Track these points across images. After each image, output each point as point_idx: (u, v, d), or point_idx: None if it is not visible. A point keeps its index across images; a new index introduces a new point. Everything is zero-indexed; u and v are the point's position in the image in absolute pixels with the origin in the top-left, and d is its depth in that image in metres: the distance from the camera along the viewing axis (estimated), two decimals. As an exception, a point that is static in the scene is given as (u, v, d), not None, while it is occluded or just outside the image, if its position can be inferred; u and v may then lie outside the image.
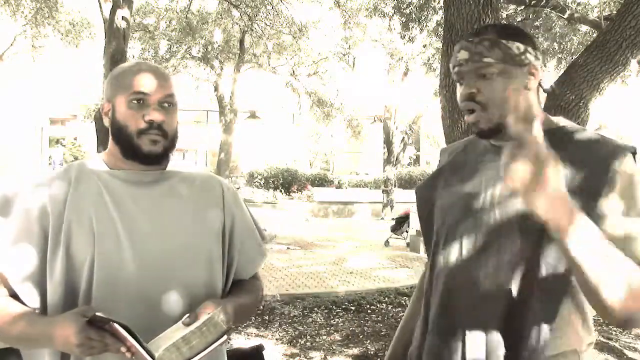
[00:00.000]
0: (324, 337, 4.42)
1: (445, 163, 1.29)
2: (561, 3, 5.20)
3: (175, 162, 1.25)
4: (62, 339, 0.96)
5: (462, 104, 1.11)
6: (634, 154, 0.99)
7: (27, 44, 14.41)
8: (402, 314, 5.15)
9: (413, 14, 7.94)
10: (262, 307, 5.18)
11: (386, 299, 5.71)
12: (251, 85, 19.86)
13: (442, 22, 6.74)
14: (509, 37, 1.07)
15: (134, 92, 1.12)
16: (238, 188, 17.42)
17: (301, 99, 16.97)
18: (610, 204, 0.94)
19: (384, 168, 17.12)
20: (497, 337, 1.02)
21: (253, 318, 4.74)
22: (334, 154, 27.34)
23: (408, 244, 9.42)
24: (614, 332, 4.55)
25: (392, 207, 15.61)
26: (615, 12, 4.31)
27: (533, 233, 0.99)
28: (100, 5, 8.67)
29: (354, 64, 16.14)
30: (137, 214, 1.13)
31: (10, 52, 16.96)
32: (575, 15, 5.30)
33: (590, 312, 1.04)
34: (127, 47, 8.15)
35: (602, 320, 4.83)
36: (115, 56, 7.48)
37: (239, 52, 16.26)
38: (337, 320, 4.92)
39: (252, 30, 13.27)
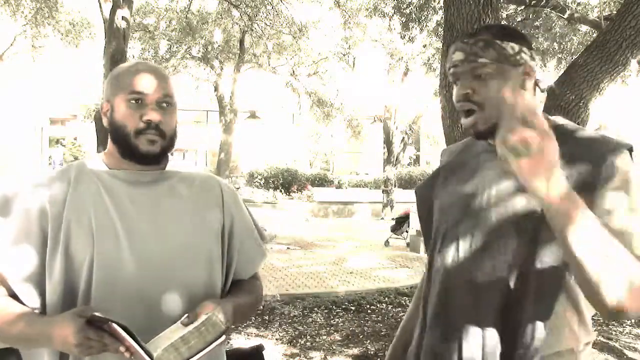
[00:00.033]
0: (324, 337, 4.42)
1: (445, 163, 1.30)
2: (561, 3, 5.20)
3: (174, 162, 1.25)
4: (60, 338, 0.96)
5: (458, 105, 1.11)
6: (630, 151, 1.00)
7: (27, 44, 14.42)
8: (402, 314, 5.16)
9: (413, 14, 7.94)
10: (262, 307, 5.18)
11: (386, 299, 5.71)
12: (251, 85, 19.87)
13: (442, 22, 6.74)
14: (504, 38, 1.07)
15: (132, 91, 1.12)
16: (238, 188, 17.43)
17: (301, 99, 16.98)
18: (605, 199, 0.95)
19: (384, 168, 17.13)
20: (493, 336, 1.03)
21: (253, 318, 4.74)
22: (334, 154, 27.34)
23: (408, 244, 9.42)
24: (613, 332, 4.55)
25: (392, 207, 15.61)
26: (615, 12, 4.31)
27: (529, 232, 1.00)
28: (100, 5, 8.68)
29: (354, 64, 16.14)
30: (136, 214, 1.13)
31: (10, 52, 16.96)
32: (575, 15, 5.30)
33: (588, 311, 1.05)
34: (127, 47, 8.15)
35: (602, 320, 4.84)
36: (115, 56, 7.49)
37: (239, 52, 16.27)
38: (337, 320, 4.92)
39: (252, 30, 13.28)
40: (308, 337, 4.39)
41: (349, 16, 13.28)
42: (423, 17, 7.93)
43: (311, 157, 26.78)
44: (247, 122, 23.54)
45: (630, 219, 0.93)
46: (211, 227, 1.21)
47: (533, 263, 0.99)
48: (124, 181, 1.15)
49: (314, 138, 23.83)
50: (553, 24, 7.14)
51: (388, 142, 16.75)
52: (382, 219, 15.15)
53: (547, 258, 0.99)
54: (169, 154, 1.22)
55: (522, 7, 6.34)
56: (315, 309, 5.24)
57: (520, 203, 1.02)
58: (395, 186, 16.75)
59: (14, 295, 1.07)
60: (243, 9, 12.08)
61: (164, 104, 1.15)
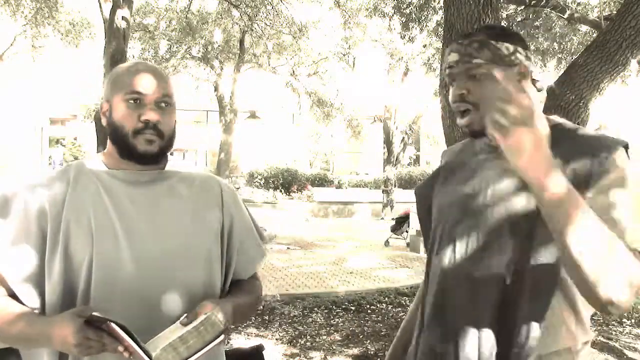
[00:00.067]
0: (324, 337, 4.42)
1: (444, 163, 1.31)
2: (561, 3, 5.20)
3: (174, 162, 1.25)
4: (59, 338, 0.96)
5: (454, 105, 1.13)
6: (626, 148, 1.01)
7: (27, 44, 14.43)
8: (402, 314, 5.16)
9: (413, 14, 7.94)
10: (262, 307, 5.18)
11: (386, 299, 5.71)
12: (251, 85, 19.87)
13: (442, 22, 6.74)
14: (498, 38, 1.09)
15: (130, 91, 1.12)
16: (238, 188, 17.43)
17: (301, 99, 16.98)
18: (599, 194, 0.95)
19: (384, 168, 17.14)
20: (489, 336, 1.03)
21: (253, 318, 4.74)
22: (334, 154, 27.34)
23: (408, 244, 9.42)
24: (613, 332, 4.56)
25: (392, 207, 15.61)
26: (615, 12, 4.31)
27: (524, 231, 1.01)
28: (100, 5, 8.68)
29: (354, 64, 16.14)
30: (135, 214, 1.13)
31: (10, 52, 16.97)
32: (575, 15, 5.30)
33: (586, 310, 1.05)
34: (127, 47, 8.16)
35: (602, 320, 4.84)
36: (115, 56, 7.49)
37: (239, 52, 16.28)
38: (337, 320, 4.92)
39: (252, 30, 13.28)
40: (308, 337, 4.39)
41: (349, 16, 13.29)
42: (423, 17, 7.93)
43: (311, 157, 26.78)
44: (247, 122, 23.56)
45: (623, 213, 0.93)
46: (211, 227, 1.21)
47: (528, 262, 1.00)
48: (123, 181, 1.15)
49: (314, 138, 23.83)
50: (553, 24, 7.14)
51: (388, 142, 16.76)
52: (382, 219, 15.15)
53: (542, 257, 1.00)
54: (168, 154, 1.22)
55: (522, 7, 6.34)
56: (315, 309, 5.24)
57: (517, 202, 1.03)
58: (395, 186, 16.76)
59: (13, 296, 1.07)
60: (243, 9, 12.08)
61: (163, 104, 1.15)
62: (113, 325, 0.92)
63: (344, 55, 15.47)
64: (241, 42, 16.02)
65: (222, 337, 1.02)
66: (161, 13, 14.17)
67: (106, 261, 1.07)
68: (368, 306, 5.43)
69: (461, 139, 1.38)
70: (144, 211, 1.14)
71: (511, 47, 1.08)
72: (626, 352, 4.07)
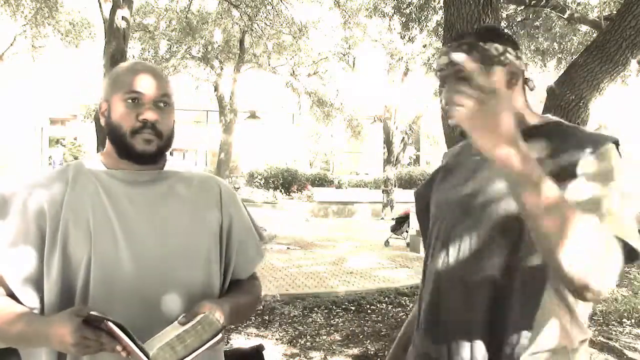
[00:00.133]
0: (324, 337, 4.42)
1: (443, 164, 1.33)
2: (561, 3, 5.20)
3: (173, 162, 1.25)
4: (57, 338, 0.96)
5: (446, 107, 1.14)
6: (616, 144, 1.02)
7: (27, 44, 14.43)
8: (402, 314, 5.16)
9: (413, 14, 7.94)
10: (262, 307, 5.18)
11: (386, 299, 5.71)
12: (251, 85, 19.88)
13: (442, 22, 6.74)
14: (487, 39, 1.10)
15: (129, 91, 1.12)
16: (238, 188, 17.44)
17: (301, 99, 16.98)
18: (584, 185, 0.96)
19: (384, 168, 17.12)
20: (482, 334, 1.04)
21: (253, 318, 4.74)
22: (334, 154, 27.35)
23: (408, 244, 9.42)
24: (613, 332, 4.55)
25: (392, 207, 15.61)
26: (615, 12, 4.31)
27: (515, 231, 1.02)
28: (100, 5, 8.67)
29: (354, 64, 16.15)
30: (134, 213, 1.13)
31: (10, 52, 16.96)
32: (575, 15, 5.30)
33: (583, 309, 1.05)
34: (127, 47, 8.15)
35: (602, 320, 4.84)
36: (115, 56, 7.49)
37: (239, 52, 16.28)
38: (337, 320, 4.92)
39: (252, 30, 13.28)
40: (308, 337, 4.39)
41: (349, 16, 13.29)
42: (423, 17, 7.93)
43: (311, 157, 26.79)
44: (247, 122, 23.55)
45: (607, 203, 0.94)
46: (209, 227, 1.21)
47: (519, 261, 1.01)
48: (122, 181, 1.15)
49: (314, 138, 23.84)
50: (553, 24, 7.14)
51: (388, 142, 16.75)
52: (382, 219, 15.15)
53: (531, 256, 1.01)
54: (168, 154, 1.22)
55: (522, 7, 6.34)
56: (315, 309, 5.24)
57: (509, 203, 1.03)
58: (395, 186, 16.76)
59: (12, 295, 1.07)
60: (243, 9, 12.08)
61: (161, 104, 1.15)
62: (111, 324, 0.92)
63: (344, 55, 15.47)
64: (241, 42, 16.03)
65: (219, 336, 1.02)
66: (161, 13, 14.17)
67: (105, 261, 1.07)
68: (368, 306, 5.43)
69: (461, 139, 1.38)
70: (142, 211, 1.14)
71: (500, 48, 1.09)
72: (626, 352, 4.07)
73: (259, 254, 1.33)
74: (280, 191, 18.87)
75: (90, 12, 12.79)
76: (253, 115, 23.96)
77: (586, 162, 0.97)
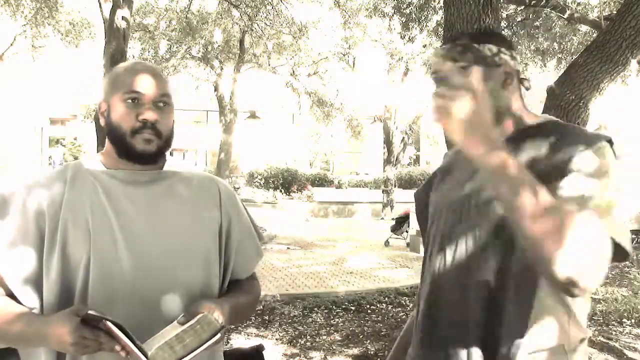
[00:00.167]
0: (324, 337, 4.42)
1: (441, 165, 1.34)
2: (561, 3, 5.20)
3: (172, 162, 1.25)
4: (56, 338, 0.96)
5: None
6: (610, 142, 1.03)
7: (27, 44, 14.42)
8: (402, 314, 5.16)
9: (413, 14, 7.94)
10: (262, 307, 5.18)
11: (386, 299, 5.71)
12: (251, 85, 19.87)
13: (442, 22, 6.74)
14: (481, 40, 1.11)
15: (129, 91, 1.13)
16: (238, 188, 17.44)
17: (301, 99, 16.98)
18: (574, 182, 0.96)
19: (384, 168, 17.12)
20: (478, 335, 1.05)
21: (253, 318, 4.74)
22: (334, 154, 27.34)
23: (408, 244, 9.42)
24: (613, 332, 4.55)
25: (392, 207, 15.60)
26: (615, 12, 4.31)
27: (509, 232, 1.02)
28: (100, 5, 8.67)
29: (354, 64, 16.15)
30: (133, 213, 1.13)
31: (10, 52, 16.95)
32: (575, 15, 5.30)
33: (581, 308, 1.06)
34: (127, 47, 8.15)
35: (602, 320, 4.84)
36: (115, 56, 7.48)
37: (239, 52, 16.28)
38: (337, 320, 4.92)
39: (252, 30, 13.28)
40: (308, 337, 4.39)
41: (349, 16, 13.28)
42: (423, 17, 7.93)
43: (311, 157, 26.78)
44: (247, 122, 23.54)
45: (597, 198, 0.94)
46: (209, 227, 1.21)
47: (512, 262, 1.02)
48: (121, 181, 1.15)
49: (314, 138, 23.82)
50: (553, 24, 7.14)
51: (388, 142, 16.75)
52: (382, 219, 15.14)
53: (525, 256, 1.01)
54: (167, 154, 1.22)
55: (522, 7, 6.34)
56: (315, 309, 5.24)
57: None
58: (395, 186, 16.75)
59: (11, 295, 1.07)
60: (243, 9, 12.08)
61: (161, 104, 1.15)
62: (109, 324, 0.92)
63: (344, 55, 15.47)
64: (241, 42, 16.02)
65: (218, 336, 1.02)
66: (161, 13, 14.17)
67: (104, 261, 1.07)
68: (368, 306, 5.43)
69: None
70: (142, 211, 1.14)
71: (494, 48, 1.10)
72: (626, 352, 4.07)
73: (259, 254, 1.33)
74: (280, 191, 18.87)
75: (90, 12, 12.79)
76: (253, 115, 23.95)
77: (580, 158, 0.98)
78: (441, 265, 1.13)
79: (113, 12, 7.78)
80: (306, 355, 3.97)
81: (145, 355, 0.95)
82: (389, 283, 6.50)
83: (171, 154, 1.24)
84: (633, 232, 10.19)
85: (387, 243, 9.85)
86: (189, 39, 14.27)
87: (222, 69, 17.33)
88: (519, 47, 7.45)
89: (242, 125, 21.40)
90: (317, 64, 16.23)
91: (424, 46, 10.75)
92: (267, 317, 4.91)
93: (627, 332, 4.58)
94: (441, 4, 6.75)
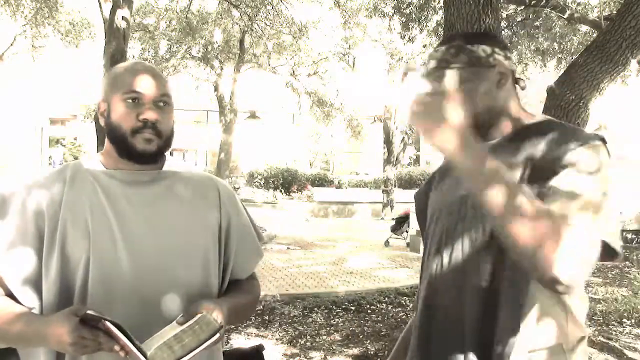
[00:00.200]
0: (324, 337, 4.42)
1: (441, 166, 1.34)
2: (561, 3, 5.20)
3: (172, 162, 1.25)
4: (55, 338, 0.96)
5: None
6: (603, 142, 1.03)
7: (27, 44, 14.44)
8: (402, 314, 5.16)
9: (413, 14, 7.94)
10: (262, 307, 5.18)
11: (386, 299, 5.71)
12: (251, 85, 19.88)
13: (442, 22, 6.74)
14: (474, 42, 1.12)
15: (129, 91, 1.13)
16: (238, 188, 17.44)
17: (301, 99, 16.99)
18: (561, 180, 0.96)
19: (384, 168, 17.12)
20: (474, 335, 1.05)
21: (253, 318, 4.74)
22: (334, 154, 27.35)
23: (408, 244, 9.42)
24: (613, 332, 4.55)
25: (392, 207, 15.61)
26: (615, 12, 4.31)
27: None
28: (100, 5, 8.67)
29: (354, 64, 16.15)
30: (132, 213, 1.13)
31: (10, 52, 16.96)
32: (575, 15, 5.30)
33: (579, 307, 1.06)
34: (127, 47, 8.15)
35: (602, 320, 4.84)
36: (115, 56, 7.48)
37: (239, 52, 16.29)
38: (337, 320, 4.92)
39: (252, 30, 13.28)
40: (308, 337, 4.39)
41: (349, 16, 13.29)
42: (423, 17, 7.93)
43: (311, 157, 26.79)
44: (247, 122, 23.55)
45: (586, 195, 0.94)
46: (208, 226, 1.21)
47: (506, 263, 1.02)
48: (120, 181, 1.15)
49: (314, 138, 23.84)
50: (553, 24, 7.14)
51: (388, 142, 16.75)
52: (382, 219, 15.14)
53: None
54: (167, 154, 1.22)
55: (522, 7, 6.34)
56: (315, 309, 5.24)
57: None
58: (395, 186, 16.75)
59: (10, 295, 1.07)
60: (243, 9, 12.08)
61: (161, 103, 1.15)
62: (108, 324, 0.92)
63: (344, 55, 15.48)
64: (241, 42, 16.03)
65: (217, 336, 1.02)
66: (161, 13, 14.17)
67: (103, 261, 1.07)
68: (368, 306, 5.43)
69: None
70: (141, 211, 1.14)
71: (488, 49, 1.10)
72: (626, 352, 4.07)
73: (258, 254, 1.33)
74: (280, 191, 18.87)
75: (90, 12, 12.80)
76: (253, 115, 23.96)
77: (573, 155, 0.98)
78: (438, 266, 1.14)
79: (113, 12, 7.78)
80: (306, 355, 3.97)
81: (144, 355, 0.95)
82: (389, 283, 6.50)
83: (171, 154, 1.24)
84: (633, 232, 10.19)
85: (387, 243, 9.85)
86: (189, 39, 14.28)
87: (222, 69, 17.34)
88: (519, 47, 7.45)
89: (242, 125, 21.41)
90: (317, 64, 16.24)
91: (424, 46, 10.73)
92: (267, 317, 4.91)
93: (627, 332, 4.58)
94: (441, 4, 6.75)
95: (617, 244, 0.93)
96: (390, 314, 5.18)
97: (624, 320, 4.86)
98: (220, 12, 13.73)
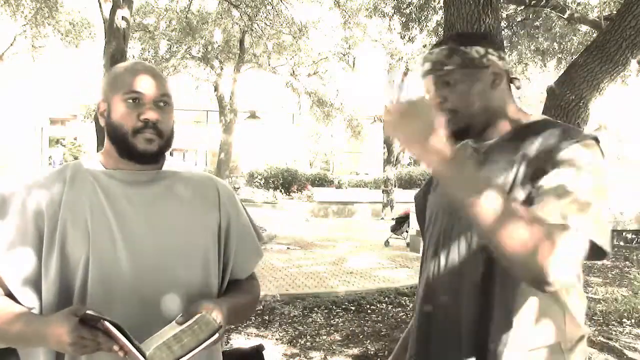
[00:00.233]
0: (324, 337, 4.42)
1: None
2: (561, 3, 5.20)
3: (172, 162, 1.25)
4: (54, 338, 0.96)
5: None
6: (596, 141, 1.04)
7: (27, 44, 14.43)
8: (402, 314, 5.16)
9: (413, 14, 7.95)
10: (262, 307, 5.18)
11: (386, 299, 5.71)
12: (251, 85, 19.88)
13: (442, 22, 6.74)
14: (467, 43, 1.12)
15: (129, 91, 1.13)
16: (238, 188, 17.44)
17: (301, 99, 16.99)
18: (551, 178, 0.97)
19: (384, 168, 17.11)
20: (470, 334, 1.06)
21: (253, 318, 4.74)
22: (334, 154, 27.36)
23: (408, 244, 9.42)
24: (613, 332, 4.55)
25: (392, 207, 15.60)
26: (615, 12, 4.31)
27: None
28: (100, 5, 8.67)
29: (354, 64, 16.14)
30: (132, 213, 1.13)
31: (10, 52, 16.96)
32: (575, 15, 5.31)
33: (579, 306, 1.06)
34: (127, 47, 8.15)
35: (602, 320, 4.84)
36: (115, 56, 7.48)
37: (239, 52, 16.29)
38: (337, 320, 4.92)
39: (252, 30, 13.28)
40: (308, 337, 4.39)
41: (349, 16, 13.29)
42: (423, 17, 7.93)
43: (311, 157, 26.80)
44: (247, 122, 23.55)
45: (577, 193, 0.94)
46: (208, 226, 1.21)
47: (498, 263, 1.01)
48: (120, 181, 1.15)
49: (314, 138, 23.85)
50: (553, 24, 7.15)
51: (388, 142, 16.73)
52: (382, 219, 15.14)
53: None
54: (167, 154, 1.22)
55: (522, 7, 6.34)
56: (315, 309, 5.24)
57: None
58: (395, 186, 16.74)
59: (10, 295, 1.07)
60: (243, 9, 12.08)
61: (161, 103, 1.15)
62: (107, 324, 0.92)
63: (344, 55, 15.47)
64: (241, 42, 16.03)
65: (216, 336, 1.02)
66: (161, 13, 14.17)
67: (103, 261, 1.07)
68: (368, 306, 5.43)
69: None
70: (141, 211, 1.14)
71: (481, 50, 1.11)
72: (626, 352, 4.07)
73: (258, 253, 1.33)
74: (280, 191, 18.87)
75: (90, 12, 12.80)
76: (253, 115, 23.96)
77: (566, 153, 0.99)
78: (435, 268, 1.15)
79: (113, 12, 7.78)
80: (306, 355, 3.97)
81: (143, 355, 0.95)
82: (389, 283, 6.50)
83: (171, 154, 1.24)
84: (633, 232, 10.19)
85: (387, 243, 9.85)
86: (189, 39, 14.28)
87: (222, 69, 17.34)
88: (519, 47, 7.45)
89: (242, 125, 21.41)
90: (317, 64, 16.24)
91: (424, 46, 10.73)
92: (267, 317, 4.91)
93: (627, 332, 4.58)
94: (441, 4, 6.75)
95: (606, 244, 0.93)
96: (390, 314, 5.18)
97: (624, 320, 4.85)
98: (220, 12, 13.73)
